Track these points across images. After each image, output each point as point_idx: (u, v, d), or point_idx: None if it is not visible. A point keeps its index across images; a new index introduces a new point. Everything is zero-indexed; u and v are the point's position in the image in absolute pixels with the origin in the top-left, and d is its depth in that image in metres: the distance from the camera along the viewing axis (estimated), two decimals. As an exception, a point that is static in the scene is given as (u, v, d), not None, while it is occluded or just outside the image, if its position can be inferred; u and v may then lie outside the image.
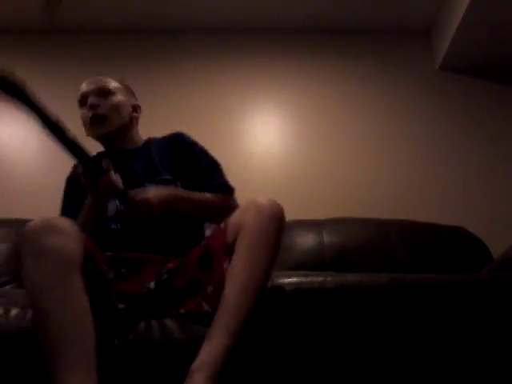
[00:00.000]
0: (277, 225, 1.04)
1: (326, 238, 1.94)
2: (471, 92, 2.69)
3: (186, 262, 1.17)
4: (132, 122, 1.48)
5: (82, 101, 1.43)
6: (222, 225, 1.14)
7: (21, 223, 1.90)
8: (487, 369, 1.08)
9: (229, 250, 1.07)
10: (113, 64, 2.64)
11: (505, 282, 1.15)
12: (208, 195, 1.32)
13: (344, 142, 2.62)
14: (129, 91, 1.51)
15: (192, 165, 1.40)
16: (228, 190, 1.38)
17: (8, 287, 1.72)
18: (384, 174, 2.54)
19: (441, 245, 1.97)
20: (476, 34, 2.43)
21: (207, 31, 2.78)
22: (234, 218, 1.11)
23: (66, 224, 1.00)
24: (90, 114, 1.39)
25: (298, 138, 2.64)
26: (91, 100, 1.39)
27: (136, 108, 1.51)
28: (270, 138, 2.65)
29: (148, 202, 1.15)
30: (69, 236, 0.96)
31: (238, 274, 1.01)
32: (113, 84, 1.45)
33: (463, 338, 1.10)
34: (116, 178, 1.16)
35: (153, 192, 1.19)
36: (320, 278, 1.13)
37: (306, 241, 1.94)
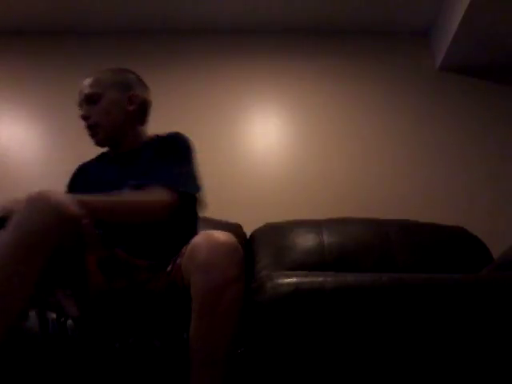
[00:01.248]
0: (231, 258, 0.93)
1: (326, 238, 1.94)
2: (471, 92, 2.69)
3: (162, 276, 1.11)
4: (130, 116, 1.38)
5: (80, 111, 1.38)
6: (178, 260, 1.05)
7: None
8: (487, 369, 1.08)
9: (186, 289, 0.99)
10: (113, 64, 2.63)
11: (505, 282, 1.15)
12: (126, 194, 1.15)
13: (344, 142, 2.62)
14: (123, 83, 1.39)
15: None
16: (171, 184, 1.18)
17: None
18: (384, 174, 2.54)
19: (441, 245, 1.96)
20: (476, 34, 2.43)
21: (207, 31, 2.78)
22: (187, 253, 1.00)
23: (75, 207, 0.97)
24: (85, 126, 1.36)
25: (297, 138, 2.64)
26: (82, 111, 1.35)
27: (132, 99, 1.38)
28: (269, 138, 2.65)
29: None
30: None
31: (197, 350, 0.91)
32: (101, 85, 1.36)
33: (463, 338, 1.10)
34: None
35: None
36: (320, 278, 1.13)
37: (305, 241, 1.94)
